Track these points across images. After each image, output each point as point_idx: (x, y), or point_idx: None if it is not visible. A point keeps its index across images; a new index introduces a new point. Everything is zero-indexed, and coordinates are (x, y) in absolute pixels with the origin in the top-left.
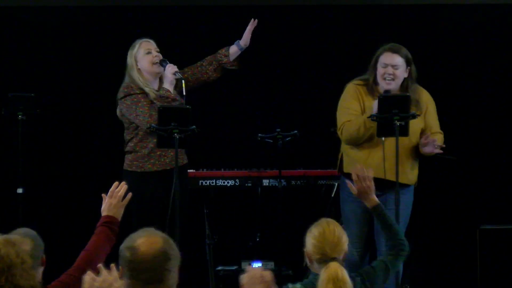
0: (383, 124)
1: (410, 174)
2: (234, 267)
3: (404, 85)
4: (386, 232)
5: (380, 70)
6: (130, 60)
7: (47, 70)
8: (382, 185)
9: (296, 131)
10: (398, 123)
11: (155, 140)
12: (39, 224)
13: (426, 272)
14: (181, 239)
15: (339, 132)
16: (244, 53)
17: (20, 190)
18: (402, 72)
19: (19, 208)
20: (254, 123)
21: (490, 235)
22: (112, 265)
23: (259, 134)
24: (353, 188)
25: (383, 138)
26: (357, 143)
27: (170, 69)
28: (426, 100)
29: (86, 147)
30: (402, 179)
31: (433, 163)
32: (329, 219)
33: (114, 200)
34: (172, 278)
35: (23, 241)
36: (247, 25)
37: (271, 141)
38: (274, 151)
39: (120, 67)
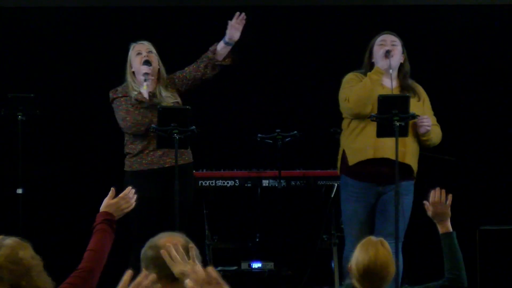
0: (383, 125)
1: (413, 157)
2: (234, 268)
3: (402, 72)
4: (448, 263)
5: (377, 50)
6: (127, 63)
7: (47, 70)
8: (388, 176)
9: (296, 132)
10: (398, 124)
11: (144, 142)
12: (38, 224)
13: (426, 272)
14: None
15: (345, 104)
16: (244, 53)
17: (19, 191)
18: (400, 52)
19: (19, 208)
20: (254, 123)
21: (490, 236)
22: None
23: (259, 135)
24: (428, 208)
25: None
26: (367, 102)
27: (141, 69)
28: (422, 92)
29: (86, 148)
30: (407, 159)
31: (433, 164)
32: (379, 244)
33: (125, 204)
34: None
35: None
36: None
37: (271, 141)
38: (274, 152)
39: (119, 67)
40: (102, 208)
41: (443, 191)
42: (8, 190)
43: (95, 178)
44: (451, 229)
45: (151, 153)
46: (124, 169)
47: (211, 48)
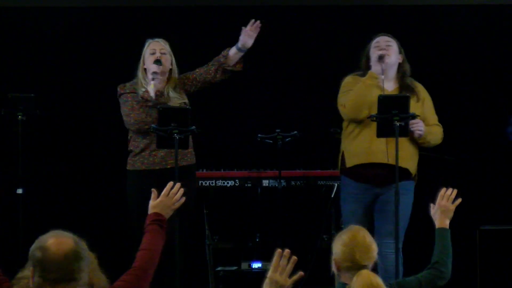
0: (383, 125)
1: (410, 160)
2: (234, 268)
3: (400, 72)
4: (438, 254)
5: (373, 52)
6: (141, 59)
7: (47, 70)
8: (385, 177)
9: (296, 132)
10: (398, 124)
11: (144, 140)
12: (38, 224)
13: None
14: (180, 240)
15: (342, 109)
16: (245, 53)
17: (20, 191)
18: (395, 52)
19: (19, 208)
20: (254, 123)
21: (490, 236)
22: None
23: (259, 135)
24: (433, 206)
25: None
26: (362, 108)
27: (151, 68)
28: (422, 91)
29: (86, 148)
30: (403, 163)
31: (433, 164)
32: (359, 226)
33: (169, 201)
34: (83, 278)
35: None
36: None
37: (271, 141)
38: (274, 152)
39: (120, 67)
40: (149, 210)
41: (455, 191)
42: (8, 190)
43: (95, 178)
44: (448, 226)
45: (153, 153)
46: (127, 167)
47: (223, 53)
